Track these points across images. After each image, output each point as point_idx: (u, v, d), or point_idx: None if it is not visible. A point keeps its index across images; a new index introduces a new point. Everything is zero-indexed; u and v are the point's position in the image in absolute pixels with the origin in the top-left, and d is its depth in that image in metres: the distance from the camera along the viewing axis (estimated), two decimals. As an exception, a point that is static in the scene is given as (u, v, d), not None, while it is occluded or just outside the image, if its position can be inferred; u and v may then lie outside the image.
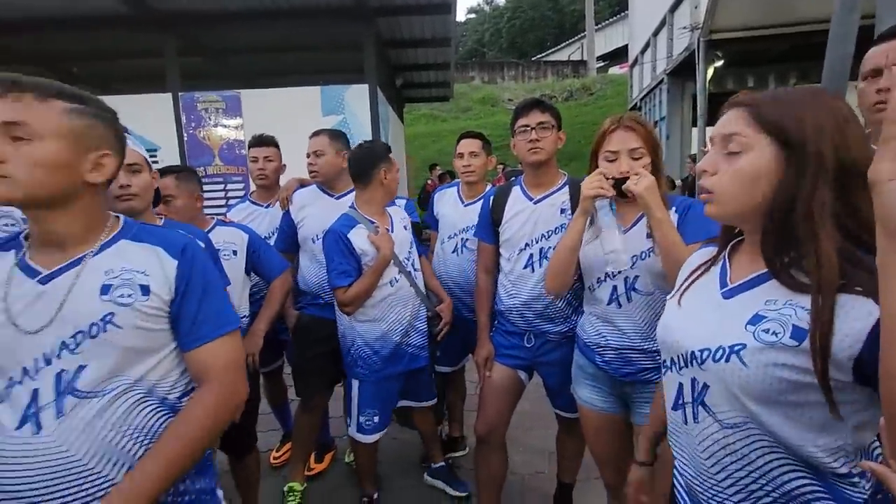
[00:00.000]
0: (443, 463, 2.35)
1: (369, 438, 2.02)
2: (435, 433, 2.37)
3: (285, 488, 2.22)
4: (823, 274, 0.68)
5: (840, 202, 0.71)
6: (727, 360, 0.75)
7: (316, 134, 2.20)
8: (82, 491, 0.81)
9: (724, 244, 0.89)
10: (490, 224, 1.86)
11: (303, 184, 2.31)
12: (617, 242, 1.27)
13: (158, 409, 0.89)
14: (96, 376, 0.83)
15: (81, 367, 0.83)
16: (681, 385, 0.84)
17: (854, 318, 0.65)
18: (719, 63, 6.59)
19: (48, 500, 0.80)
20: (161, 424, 0.89)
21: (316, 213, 2.17)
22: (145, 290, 0.88)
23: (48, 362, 0.82)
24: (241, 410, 0.99)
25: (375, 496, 2.19)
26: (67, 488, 0.80)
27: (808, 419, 0.71)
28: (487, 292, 1.92)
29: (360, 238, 1.86)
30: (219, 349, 0.93)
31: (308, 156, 2.18)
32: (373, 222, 1.92)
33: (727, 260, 0.87)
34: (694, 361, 0.80)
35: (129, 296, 0.86)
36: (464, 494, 2.24)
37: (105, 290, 0.85)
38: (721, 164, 0.78)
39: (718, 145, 0.79)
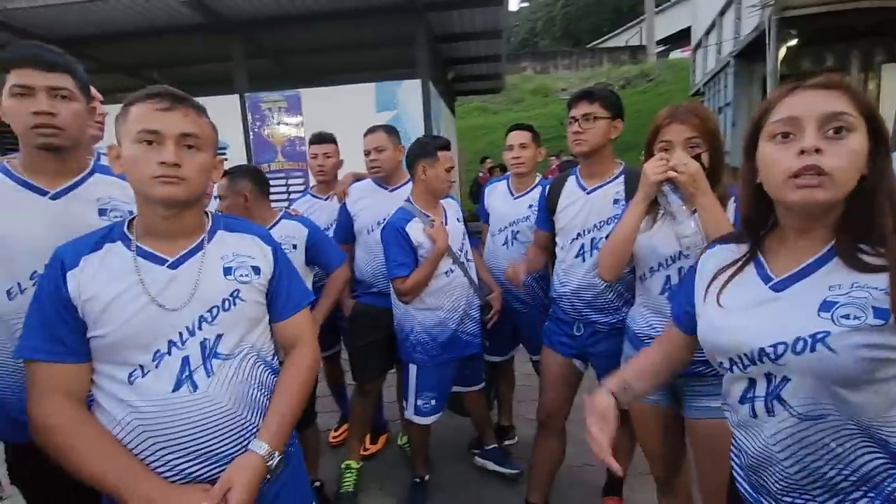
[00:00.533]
0: (495, 445, 2.41)
1: (426, 420, 2.12)
2: (487, 416, 2.43)
3: (343, 465, 2.36)
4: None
5: None
6: (812, 350, 0.74)
7: (372, 131, 2.25)
8: (233, 432, 1.00)
9: (753, 239, 0.88)
10: (546, 211, 1.90)
11: (358, 178, 2.42)
12: (691, 226, 1.25)
13: (266, 368, 1.09)
14: (232, 342, 1.02)
15: (219, 336, 1.00)
16: (751, 381, 0.83)
17: None
18: (793, 42, 6.11)
19: (211, 442, 0.97)
20: (270, 379, 1.09)
21: (371, 205, 2.27)
22: (257, 270, 1.07)
23: (192, 334, 0.98)
24: None
25: (426, 478, 2.29)
26: (224, 431, 0.99)
27: (891, 395, 0.72)
28: (535, 251, 2.09)
29: (416, 231, 1.96)
30: (306, 317, 1.18)
31: (367, 153, 2.23)
32: (427, 215, 2.00)
33: (761, 255, 0.86)
34: (765, 358, 0.79)
35: (247, 275, 1.05)
36: (516, 471, 2.30)
37: (227, 271, 1.03)
38: (827, 144, 0.73)
39: (817, 124, 0.74)
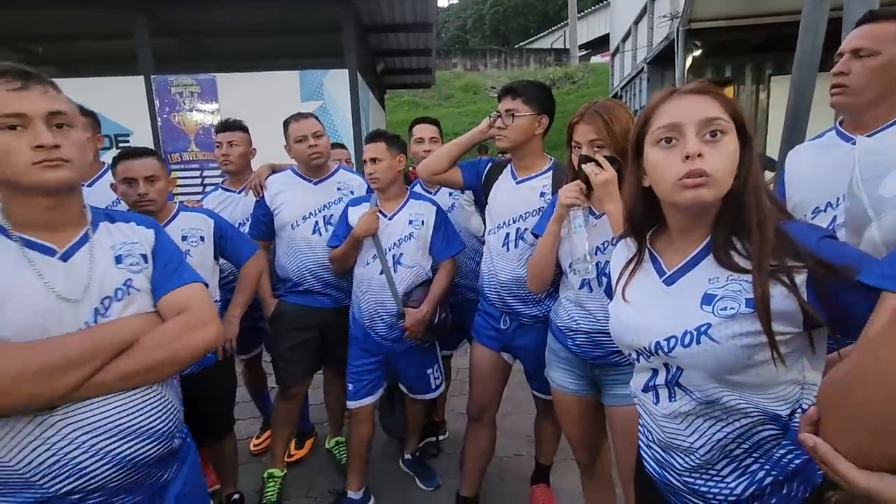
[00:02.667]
0: (410, 456, 2.40)
1: (350, 404, 2.08)
2: (416, 423, 2.36)
3: (265, 474, 2.22)
4: (763, 248, 0.76)
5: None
6: (698, 343, 0.79)
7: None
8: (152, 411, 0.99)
9: (640, 236, 0.94)
10: (479, 177, 1.91)
11: (276, 169, 2.26)
12: (583, 250, 1.35)
13: None
14: None
15: None
16: (654, 370, 0.89)
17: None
18: (698, 52, 6.66)
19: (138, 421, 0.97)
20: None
21: (293, 198, 2.14)
22: (145, 257, 1.04)
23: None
24: None
25: (357, 497, 2.15)
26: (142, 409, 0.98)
27: (770, 375, 0.77)
28: None
29: (356, 214, 2.02)
30: (197, 290, 1.08)
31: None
32: (378, 206, 2.04)
33: (652, 249, 0.92)
34: (660, 350, 0.84)
35: (137, 263, 1.01)
36: (430, 489, 2.28)
37: (118, 259, 0.99)
38: (706, 149, 0.78)
39: (696, 129, 0.79)
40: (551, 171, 1.77)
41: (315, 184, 2.19)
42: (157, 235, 1.08)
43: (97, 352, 0.88)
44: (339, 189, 2.21)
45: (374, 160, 1.96)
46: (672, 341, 0.82)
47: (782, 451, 0.80)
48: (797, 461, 0.80)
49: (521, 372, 1.96)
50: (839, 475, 0.55)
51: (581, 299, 1.44)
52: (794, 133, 2.31)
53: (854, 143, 1.20)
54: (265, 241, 2.20)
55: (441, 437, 2.65)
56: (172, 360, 0.96)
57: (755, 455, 0.82)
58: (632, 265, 0.95)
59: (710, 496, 0.85)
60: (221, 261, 1.93)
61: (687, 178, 0.78)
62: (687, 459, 0.87)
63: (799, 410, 0.79)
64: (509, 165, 1.85)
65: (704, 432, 0.84)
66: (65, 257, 0.93)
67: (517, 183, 1.79)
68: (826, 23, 2.32)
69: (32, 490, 0.87)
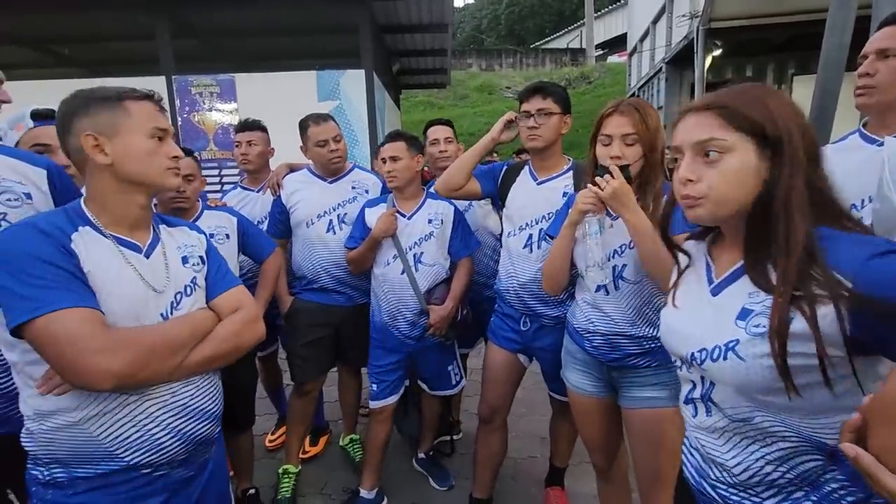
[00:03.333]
0: (423, 455, 2.39)
1: (373, 403, 2.10)
2: (432, 421, 2.36)
3: (280, 470, 2.25)
4: (787, 269, 0.70)
5: (809, 189, 0.73)
6: (725, 358, 0.76)
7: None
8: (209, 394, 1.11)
9: (703, 239, 0.91)
10: (494, 180, 1.91)
11: (293, 169, 2.29)
12: (598, 258, 1.34)
13: None
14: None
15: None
16: (693, 384, 0.86)
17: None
18: (718, 52, 6.56)
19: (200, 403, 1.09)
20: None
21: (308, 197, 2.16)
22: (202, 259, 1.16)
23: (165, 319, 1.03)
24: None
25: (371, 496, 2.16)
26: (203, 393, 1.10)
27: (815, 401, 0.71)
28: None
29: (373, 214, 2.03)
30: (243, 291, 1.20)
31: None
32: (395, 206, 2.04)
33: (709, 255, 0.89)
34: (694, 363, 0.82)
35: (198, 264, 1.14)
36: (444, 489, 2.28)
37: (185, 260, 1.11)
38: (703, 171, 0.77)
39: (692, 152, 0.78)
40: (571, 171, 1.77)
41: (330, 183, 2.21)
42: (208, 241, 1.21)
43: (194, 337, 1.02)
44: (353, 188, 2.22)
45: (393, 159, 1.97)
46: (703, 354, 0.80)
47: (834, 486, 0.73)
48: (850, 498, 0.72)
49: (536, 373, 1.95)
50: (886, 489, 0.53)
51: (598, 301, 1.43)
52: (820, 133, 2.25)
53: (880, 145, 1.17)
54: (282, 240, 2.22)
55: (455, 437, 2.65)
56: (237, 349, 1.10)
57: (798, 483, 0.76)
58: (685, 270, 0.92)
59: None
60: (241, 257, 1.96)
61: (684, 199, 0.80)
62: (724, 475, 0.83)
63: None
64: (527, 167, 1.84)
65: (742, 451, 0.79)
66: (147, 254, 1.05)
67: (538, 184, 1.78)
68: (853, 21, 2.26)
69: (111, 461, 0.97)
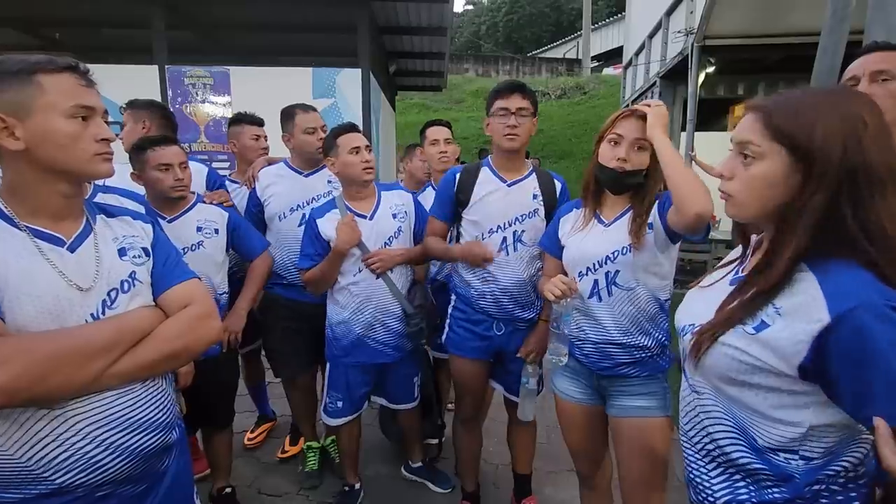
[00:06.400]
0: (420, 464, 2.34)
1: (332, 421, 2.02)
2: (414, 432, 2.29)
3: (304, 447, 2.37)
4: (766, 276, 0.76)
5: (851, 208, 0.69)
6: (684, 335, 0.88)
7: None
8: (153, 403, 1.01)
9: (744, 241, 0.93)
10: (453, 204, 1.81)
11: (270, 162, 2.29)
12: (565, 348, 1.39)
13: None
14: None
15: None
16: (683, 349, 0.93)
17: (804, 318, 0.70)
18: (711, 69, 6.65)
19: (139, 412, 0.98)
20: None
21: (282, 191, 2.15)
22: (147, 252, 1.03)
23: (96, 319, 0.91)
24: None
25: (357, 486, 2.17)
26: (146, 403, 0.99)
27: (761, 402, 0.78)
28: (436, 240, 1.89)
29: (328, 224, 1.84)
30: (197, 285, 1.07)
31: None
32: (350, 208, 1.88)
33: (751, 255, 0.91)
34: (678, 334, 0.92)
35: (139, 256, 1.01)
36: (447, 490, 2.25)
37: (122, 252, 0.98)
38: (738, 170, 0.79)
39: (736, 149, 0.80)
40: (534, 174, 1.78)
41: (306, 176, 2.19)
42: (154, 230, 1.08)
43: (121, 340, 0.89)
44: (329, 182, 2.19)
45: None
46: (689, 328, 0.88)
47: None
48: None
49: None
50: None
51: (590, 309, 1.42)
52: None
53: None
54: (258, 234, 2.19)
55: (443, 440, 2.62)
56: (188, 350, 0.98)
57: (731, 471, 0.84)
58: (725, 266, 0.96)
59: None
60: (230, 251, 1.94)
61: (721, 194, 0.84)
62: (691, 449, 0.92)
63: (798, 457, 0.76)
64: (485, 168, 1.79)
65: (696, 424, 0.89)
66: (72, 248, 0.92)
67: (508, 185, 1.76)
68: (845, 45, 2.31)
69: (39, 484, 0.85)
